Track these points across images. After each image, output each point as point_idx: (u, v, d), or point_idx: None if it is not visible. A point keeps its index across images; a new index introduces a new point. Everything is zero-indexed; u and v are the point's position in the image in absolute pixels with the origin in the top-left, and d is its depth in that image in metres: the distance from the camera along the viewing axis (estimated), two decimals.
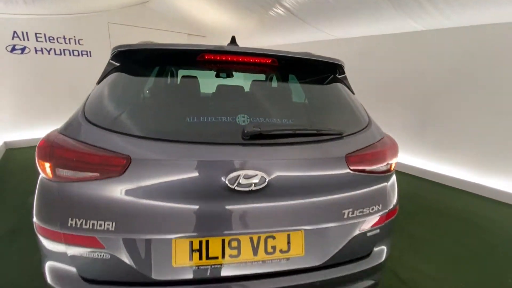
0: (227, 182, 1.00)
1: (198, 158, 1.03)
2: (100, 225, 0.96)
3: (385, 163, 1.24)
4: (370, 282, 1.27)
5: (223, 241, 1.05)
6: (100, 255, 0.99)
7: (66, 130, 1.08)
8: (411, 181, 3.98)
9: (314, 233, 1.12)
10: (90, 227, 0.96)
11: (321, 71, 1.53)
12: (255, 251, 1.07)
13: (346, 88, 1.51)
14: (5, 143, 4.53)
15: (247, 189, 1.01)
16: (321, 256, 1.13)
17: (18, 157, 4.19)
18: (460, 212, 3.04)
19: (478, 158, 3.57)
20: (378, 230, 1.24)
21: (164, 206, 1.00)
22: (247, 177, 1.01)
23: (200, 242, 1.03)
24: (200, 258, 1.03)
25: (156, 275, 1.00)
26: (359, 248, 1.23)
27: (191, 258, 1.02)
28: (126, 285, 1.02)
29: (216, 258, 1.04)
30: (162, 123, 1.16)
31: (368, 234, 1.21)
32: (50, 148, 1.01)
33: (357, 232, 1.18)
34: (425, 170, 4.05)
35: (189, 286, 1.05)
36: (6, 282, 1.76)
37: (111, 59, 1.32)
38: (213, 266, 1.04)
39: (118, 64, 1.31)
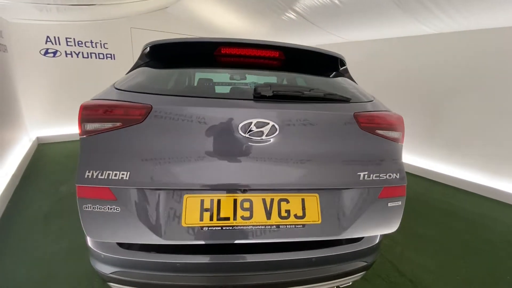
0: (239, 130, 1.04)
1: (214, 107, 1.08)
2: (115, 175, 1.00)
3: (393, 130, 1.24)
4: (362, 264, 1.41)
5: (235, 201, 1.07)
6: (111, 208, 1.02)
7: (96, 96, 1.21)
8: (417, 181, 4.02)
9: (329, 198, 1.12)
10: (105, 177, 1.00)
11: (325, 66, 1.71)
12: (268, 214, 1.08)
13: (349, 79, 1.66)
14: (38, 138, 4.95)
15: (259, 137, 1.05)
16: (340, 226, 1.13)
17: (49, 151, 4.58)
18: (465, 213, 3.07)
19: (486, 160, 3.57)
20: (399, 202, 1.22)
21: (178, 156, 1.04)
22: (259, 125, 1.05)
23: (212, 201, 1.06)
24: (211, 218, 1.05)
25: (165, 236, 1.03)
26: (382, 221, 1.21)
27: (201, 218, 1.04)
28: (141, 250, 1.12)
29: (228, 219, 1.05)
30: (184, 87, 1.42)
31: (390, 204, 1.19)
32: (80, 109, 1.08)
33: (377, 201, 1.16)
34: (433, 172, 4.08)
35: (199, 254, 1.12)
36: (43, 258, 2.03)
37: (142, 54, 1.61)
38: (224, 228, 1.05)
39: (148, 59, 1.59)
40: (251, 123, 1.04)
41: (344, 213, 1.14)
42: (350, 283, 1.47)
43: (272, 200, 1.10)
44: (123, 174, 1.00)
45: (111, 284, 1.28)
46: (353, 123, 1.15)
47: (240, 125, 1.04)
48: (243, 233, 1.06)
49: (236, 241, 1.07)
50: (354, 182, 1.13)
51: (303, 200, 1.11)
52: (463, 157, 3.80)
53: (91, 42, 5.23)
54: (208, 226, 1.04)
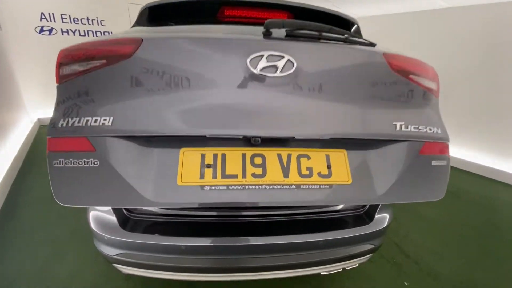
0: (249, 65, 0.85)
1: (217, 36, 0.91)
2: (95, 121, 0.82)
3: (428, 79, 1.07)
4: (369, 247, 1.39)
5: (243, 156, 0.90)
6: (88, 162, 0.82)
7: None
8: None
9: (360, 154, 0.95)
10: (83, 124, 0.82)
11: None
12: (285, 171, 0.91)
13: None
14: (39, 119, 4.90)
15: (272, 74, 0.86)
16: (375, 188, 0.95)
17: None
18: (470, 195, 3.04)
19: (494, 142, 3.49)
20: (444, 162, 1.04)
21: (173, 98, 0.85)
22: (272, 59, 0.86)
23: (215, 156, 0.89)
24: (215, 176, 0.87)
25: (156, 197, 0.84)
26: (425, 184, 1.01)
27: (202, 176, 0.87)
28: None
29: (235, 176, 0.88)
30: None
31: (434, 163, 1.01)
32: (58, 54, 0.93)
33: (418, 157, 0.98)
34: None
35: (198, 218, 1.08)
36: (48, 239, 2.04)
37: (139, 16, 1.60)
38: (231, 187, 0.87)
39: (145, 21, 1.54)
40: (262, 56, 0.85)
41: (379, 173, 0.95)
42: (357, 265, 1.47)
43: (289, 156, 0.92)
44: (105, 119, 0.82)
45: (116, 265, 1.27)
46: (384, 64, 0.97)
47: (249, 59, 0.85)
48: (255, 194, 0.88)
49: (246, 202, 0.89)
50: (389, 133, 0.94)
51: (327, 156, 0.93)
52: (472, 139, 3.72)
53: (88, 19, 5.02)
54: (211, 185, 0.87)
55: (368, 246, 1.37)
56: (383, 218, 1.37)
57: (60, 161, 0.83)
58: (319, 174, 0.91)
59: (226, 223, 1.26)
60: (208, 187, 0.87)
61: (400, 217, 2.43)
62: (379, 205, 1.33)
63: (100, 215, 1.20)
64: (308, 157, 0.93)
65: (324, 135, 0.92)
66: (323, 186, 0.92)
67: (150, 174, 0.86)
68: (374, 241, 1.38)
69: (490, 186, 3.32)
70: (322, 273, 1.40)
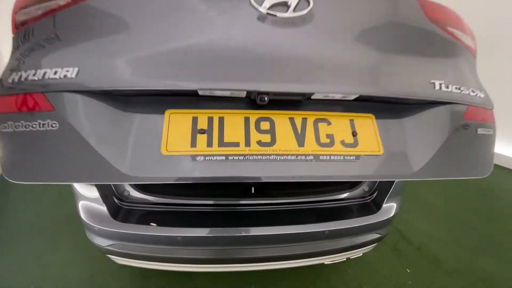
0: (253, 0, 0.69)
1: None
2: (55, 73, 0.64)
3: (466, 34, 0.93)
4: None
5: (246, 120, 0.75)
6: (44, 124, 0.64)
7: None
8: None
9: (392, 120, 0.81)
10: (40, 77, 0.64)
11: None
12: (299, 139, 0.76)
13: None
14: None
15: (282, 14, 0.70)
16: (411, 160, 0.79)
17: None
18: (479, 182, 2.99)
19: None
20: (491, 131, 0.88)
21: (155, 41, 0.68)
22: None
23: (210, 119, 0.74)
24: (210, 143, 0.72)
25: (133, 169, 0.67)
26: (470, 155, 0.84)
27: (194, 144, 0.71)
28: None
29: (236, 144, 0.73)
30: None
31: (480, 131, 0.84)
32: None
33: (462, 123, 0.81)
34: None
35: (195, 207, 1.05)
36: (41, 226, 1.99)
37: None
38: (231, 158, 0.72)
39: None
40: None
41: (416, 143, 0.80)
42: (361, 254, 1.42)
43: (304, 121, 0.77)
44: (67, 71, 0.64)
45: (109, 256, 1.21)
46: (418, 11, 0.82)
47: None
48: (262, 166, 0.73)
49: (250, 177, 0.73)
50: (427, 92, 0.77)
51: (352, 122, 0.78)
52: None
53: None
54: (205, 155, 0.71)
55: (374, 236, 1.31)
56: (391, 207, 1.30)
57: (9, 124, 0.65)
58: (342, 142, 0.76)
59: (226, 213, 1.19)
60: (202, 158, 0.71)
61: (402, 203, 2.38)
62: (388, 192, 1.26)
63: (90, 205, 1.12)
64: (328, 122, 0.78)
65: (349, 93, 0.73)
66: (348, 157, 0.76)
67: (126, 141, 0.68)
68: (381, 230, 1.32)
69: (496, 172, 3.26)
70: (325, 263, 1.36)
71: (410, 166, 0.78)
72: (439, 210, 2.40)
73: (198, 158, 0.71)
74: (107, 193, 1.15)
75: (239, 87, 0.67)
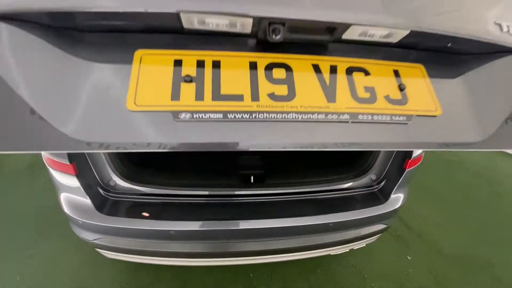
0: None
1: None
2: None
3: None
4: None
5: (253, 65, 0.55)
6: None
7: None
8: None
9: (449, 70, 0.63)
10: None
11: None
12: (329, 92, 0.56)
13: None
14: None
15: None
16: (478, 124, 0.62)
17: None
18: (477, 167, 2.95)
19: None
20: None
21: None
22: None
23: (201, 64, 0.54)
24: (200, 96, 0.52)
25: (83, 130, 0.48)
26: None
27: (176, 96, 0.51)
28: None
29: (239, 98, 0.53)
30: None
31: None
32: None
33: None
34: None
35: (189, 198, 0.98)
36: (27, 213, 1.88)
37: None
38: (231, 116, 0.52)
39: None
40: None
41: (481, 102, 0.63)
42: (365, 245, 1.36)
43: (334, 69, 0.58)
44: None
45: (97, 250, 1.12)
46: None
47: None
48: (277, 128, 0.54)
49: (260, 144, 0.54)
50: (491, 32, 0.58)
51: (396, 72, 0.61)
52: None
53: None
54: (193, 111, 0.51)
55: (380, 226, 1.24)
56: (399, 197, 1.22)
57: None
58: (387, 98, 0.58)
59: (224, 204, 1.10)
60: (188, 115, 0.51)
61: None
62: (397, 181, 1.17)
63: (73, 197, 1.01)
64: (366, 72, 0.59)
65: (399, 26, 0.52)
66: (397, 118, 0.58)
67: (77, 94, 0.48)
68: (387, 221, 1.25)
69: (496, 158, 3.23)
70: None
71: (477, 133, 0.60)
72: (439, 195, 2.36)
73: (182, 115, 0.50)
74: (91, 183, 1.03)
75: (241, 11, 0.46)
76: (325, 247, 1.18)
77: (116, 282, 1.45)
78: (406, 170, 1.16)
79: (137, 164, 1.18)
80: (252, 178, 1.17)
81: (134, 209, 1.04)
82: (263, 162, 1.39)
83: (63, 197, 1.03)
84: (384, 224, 1.25)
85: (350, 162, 1.34)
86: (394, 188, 1.18)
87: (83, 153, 1.00)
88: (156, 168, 1.19)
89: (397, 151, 1.23)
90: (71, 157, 0.93)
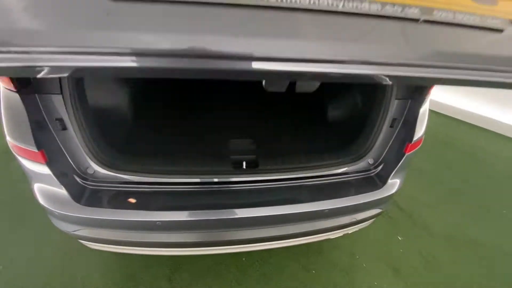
0: None
1: None
2: None
3: None
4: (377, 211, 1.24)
5: None
6: None
7: None
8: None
9: None
10: None
11: None
12: None
13: None
14: None
15: None
16: None
17: None
18: (468, 147, 2.96)
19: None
20: None
21: None
22: None
23: None
24: None
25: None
26: None
27: None
28: None
29: None
30: None
31: None
32: None
33: None
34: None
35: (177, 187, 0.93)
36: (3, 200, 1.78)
37: None
38: None
39: None
40: None
41: None
42: (358, 229, 1.34)
43: None
44: None
45: (80, 241, 1.05)
46: None
47: None
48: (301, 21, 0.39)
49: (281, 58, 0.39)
50: None
51: None
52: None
53: None
54: None
55: (376, 211, 1.21)
56: (396, 182, 1.18)
57: None
58: None
59: (213, 192, 1.03)
60: None
61: None
62: (396, 166, 1.13)
63: (47, 187, 0.92)
64: None
65: None
66: (487, 21, 0.41)
67: None
68: (383, 205, 1.22)
69: (487, 138, 3.24)
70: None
71: None
72: (429, 175, 2.37)
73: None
74: (66, 171, 0.93)
75: None
76: (319, 233, 1.15)
77: (105, 267, 1.41)
78: (406, 154, 1.11)
79: (116, 148, 1.08)
80: (244, 163, 1.10)
81: (115, 199, 0.96)
82: (255, 146, 1.32)
83: (36, 187, 0.93)
84: (379, 208, 1.22)
85: (347, 144, 1.28)
86: (392, 172, 1.13)
87: (54, 138, 0.89)
88: (137, 154, 1.09)
89: (397, 132, 1.17)
90: (39, 143, 0.82)
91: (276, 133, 1.57)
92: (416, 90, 1.11)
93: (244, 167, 1.09)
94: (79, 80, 0.93)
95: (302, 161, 1.15)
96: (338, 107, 1.67)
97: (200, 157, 1.11)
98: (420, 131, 1.11)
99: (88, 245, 1.07)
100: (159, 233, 0.98)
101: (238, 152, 1.20)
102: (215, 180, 1.04)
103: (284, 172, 1.09)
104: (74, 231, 0.97)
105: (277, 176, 1.08)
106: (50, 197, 0.92)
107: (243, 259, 1.52)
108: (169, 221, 0.92)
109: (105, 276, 1.39)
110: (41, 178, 0.89)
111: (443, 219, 1.91)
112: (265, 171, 1.08)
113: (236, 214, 0.96)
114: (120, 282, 1.37)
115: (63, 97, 0.86)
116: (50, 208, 0.92)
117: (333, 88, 1.74)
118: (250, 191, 1.04)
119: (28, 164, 0.88)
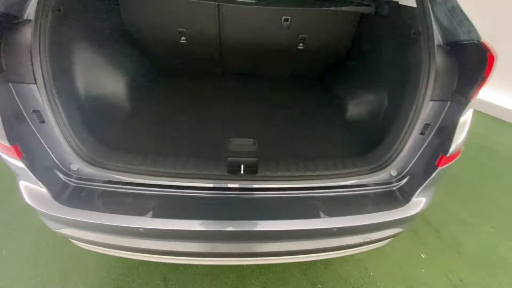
0: None
1: None
2: None
3: None
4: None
5: None
6: None
7: None
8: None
9: None
10: None
11: None
12: None
13: None
14: None
15: None
16: None
17: None
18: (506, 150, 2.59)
19: None
20: None
21: None
22: None
23: None
24: None
25: None
26: None
27: None
28: None
29: None
30: None
31: None
32: None
33: None
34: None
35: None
36: None
37: None
38: None
39: None
40: None
41: None
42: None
43: None
44: None
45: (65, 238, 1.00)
46: None
47: None
48: None
49: None
50: None
51: None
52: None
53: None
54: None
55: (395, 230, 1.04)
56: (422, 199, 0.99)
57: None
58: None
59: (209, 199, 0.91)
60: None
61: None
62: (424, 181, 0.94)
63: (29, 185, 0.86)
64: None
65: None
66: None
67: None
68: (405, 225, 1.04)
69: None
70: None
71: None
72: (464, 184, 2.08)
73: None
74: (48, 166, 0.86)
75: None
76: (327, 251, 1.00)
77: (98, 259, 1.38)
78: (438, 169, 0.91)
79: (102, 144, 0.99)
80: (242, 168, 0.96)
81: (98, 199, 0.88)
82: (256, 149, 1.16)
83: (18, 181, 0.88)
84: (400, 228, 1.04)
85: (366, 151, 1.10)
86: (418, 188, 0.94)
87: (33, 132, 0.82)
88: (126, 151, 1.00)
89: (429, 141, 0.97)
90: (12, 138, 0.75)
91: (281, 135, 1.39)
92: (459, 90, 0.89)
93: (242, 172, 0.95)
94: (57, 68, 0.84)
95: (310, 168, 0.99)
96: (357, 104, 1.46)
97: (192, 157, 0.99)
98: (459, 141, 0.91)
99: (75, 243, 1.02)
100: (145, 240, 0.90)
101: (236, 155, 1.07)
102: (208, 185, 0.92)
103: (287, 180, 0.95)
104: (57, 229, 0.92)
105: (277, 184, 0.94)
106: (29, 192, 0.86)
107: (244, 265, 1.42)
108: (153, 229, 0.83)
109: (100, 271, 1.36)
110: (20, 172, 0.83)
111: (477, 237, 1.67)
112: (265, 178, 0.94)
113: (229, 227, 0.84)
114: (119, 278, 1.33)
115: (37, 87, 0.78)
116: (30, 203, 0.86)
117: (352, 82, 1.53)
118: (245, 200, 0.92)
119: (6, 158, 0.82)
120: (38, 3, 0.77)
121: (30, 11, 0.77)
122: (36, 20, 0.76)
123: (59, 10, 0.87)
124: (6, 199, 1.66)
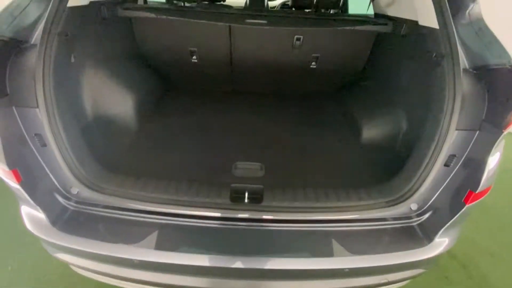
0: None
1: None
2: None
3: None
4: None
5: None
6: None
7: None
8: None
9: None
10: None
11: None
12: None
13: None
14: None
15: None
16: None
17: None
18: None
19: None
20: None
21: None
22: None
23: None
24: None
25: None
26: None
27: None
28: None
29: None
30: None
31: None
32: None
33: None
34: None
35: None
36: None
37: None
38: None
39: None
40: None
41: None
42: None
43: None
44: None
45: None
46: None
47: None
48: None
49: None
50: None
51: None
52: None
53: None
54: None
55: (416, 271, 0.93)
56: (446, 240, 0.89)
57: None
58: None
59: (206, 230, 0.86)
60: None
61: None
62: (449, 219, 0.83)
63: (29, 210, 0.85)
64: None
65: None
66: None
67: None
68: (427, 266, 0.93)
69: None
70: None
71: None
72: (496, 214, 1.90)
73: None
74: (48, 190, 0.85)
75: None
76: None
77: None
78: (466, 206, 0.81)
79: (103, 168, 0.97)
80: (246, 195, 0.90)
81: (94, 226, 0.84)
82: (262, 175, 1.11)
83: (23, 210, 0.87)
84: (421, 269, 0.93)
85: (383, 181, 1.01)
86: (443, 226, 0.84)
87: (35, 156, 0.81)
88: (127, 176, 0.96)
89: (454, 173, 0.87)
90: (12, 162, 0.73)
91: (291, 160, 1.30)
92: (488, 119, 0.80)
93: (246, 201, 0.89)
94: (61, 92, 0.84)
95: (320, 198, 0.91)
96: (373, 128, 1.37)
97: (199, 184, 0.94)
98: (490, 174, 0.80)
99: (74, 270, 0.99)
100: (141, 271, 0.85)
101: (240, 181, 1.01)
102: (206, 214, 0.86)
103: (294, 212, 0.88)
104: (54, 253, 0.89)
105: (284, 216, 0.87)
106: (28, 217, 0.84)
107: None
108: (147, 261, 0.78)
109: None
110: (19, 195, 0.82)
111: (510, 274, 1.49)
112: (271, 209, 0.88)
113: (230, 263, 0.78)
114: None
115: (39, 111, 0.78)
116: (29, 228, 0.84)
117: (368, 103, 1.45)
118: (247, 231, 0.85)
119: (7, 181, 0.81)
120: (44, 28, 0.78)
121: (38, 36, 0.78)
122: (40, 45, 0.77)
123: (66, 35, 0.88)
124: (15, 215, 1.69)
